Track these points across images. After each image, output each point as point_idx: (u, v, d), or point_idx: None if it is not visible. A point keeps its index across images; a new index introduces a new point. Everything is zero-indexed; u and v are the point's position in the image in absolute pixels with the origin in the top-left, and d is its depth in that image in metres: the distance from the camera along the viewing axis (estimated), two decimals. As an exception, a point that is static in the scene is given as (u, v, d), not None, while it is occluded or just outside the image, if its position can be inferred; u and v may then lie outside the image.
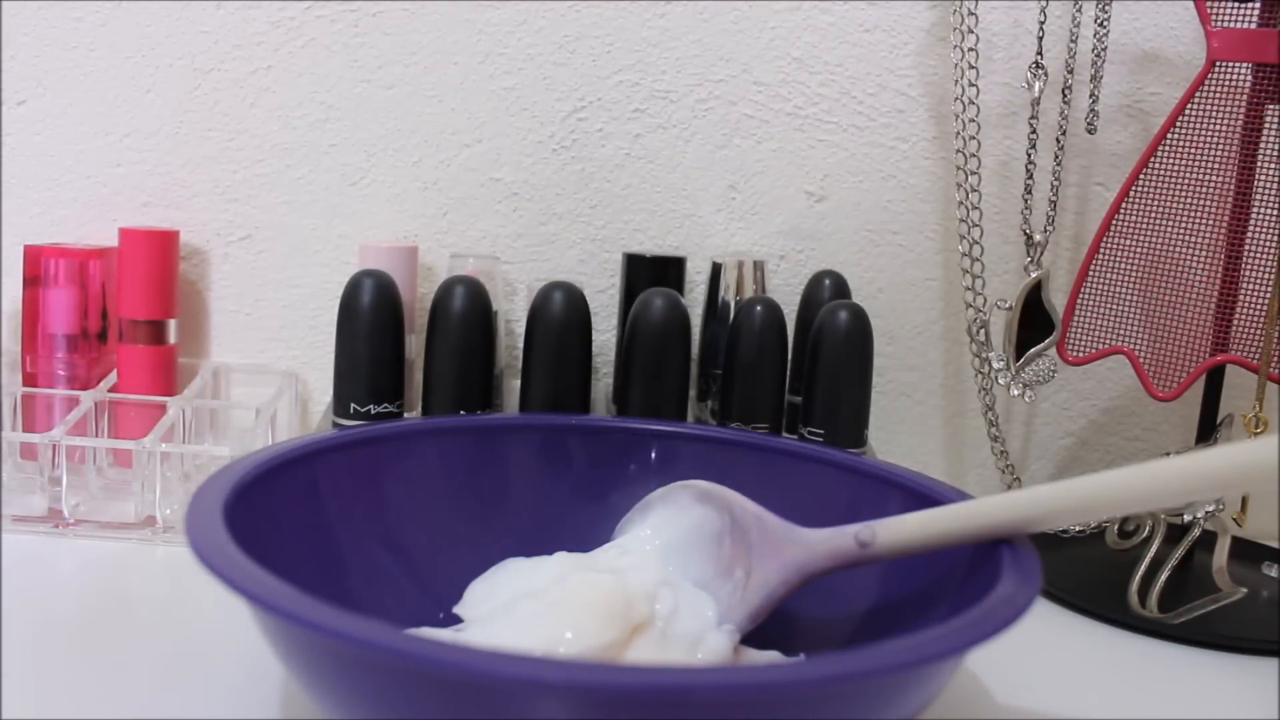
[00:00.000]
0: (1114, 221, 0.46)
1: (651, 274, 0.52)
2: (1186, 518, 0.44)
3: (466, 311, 0.44)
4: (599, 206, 0.56)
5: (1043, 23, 0.47)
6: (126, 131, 0.54)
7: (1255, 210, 0.44)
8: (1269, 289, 0.43)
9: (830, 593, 0.35)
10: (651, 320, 0.44)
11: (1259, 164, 0.44)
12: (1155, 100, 0.55)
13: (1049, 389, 0.57)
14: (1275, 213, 0.43)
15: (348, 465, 0.37)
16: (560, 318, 0.44)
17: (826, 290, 0.51)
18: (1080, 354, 0.47)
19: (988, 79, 0.54)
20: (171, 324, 0.52)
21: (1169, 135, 0.44)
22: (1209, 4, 0.43)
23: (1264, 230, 0.43)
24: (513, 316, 0.56)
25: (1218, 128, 0.44)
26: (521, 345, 0.46)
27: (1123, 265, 0.46)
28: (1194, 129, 0.44)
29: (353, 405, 0.44)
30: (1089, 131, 0.50)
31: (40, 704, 0.31)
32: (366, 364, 0.44)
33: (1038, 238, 0.47)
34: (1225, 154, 0.44)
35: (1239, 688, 0.38)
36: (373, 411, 0.44)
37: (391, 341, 0.44)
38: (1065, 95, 0.49)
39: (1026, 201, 0.48)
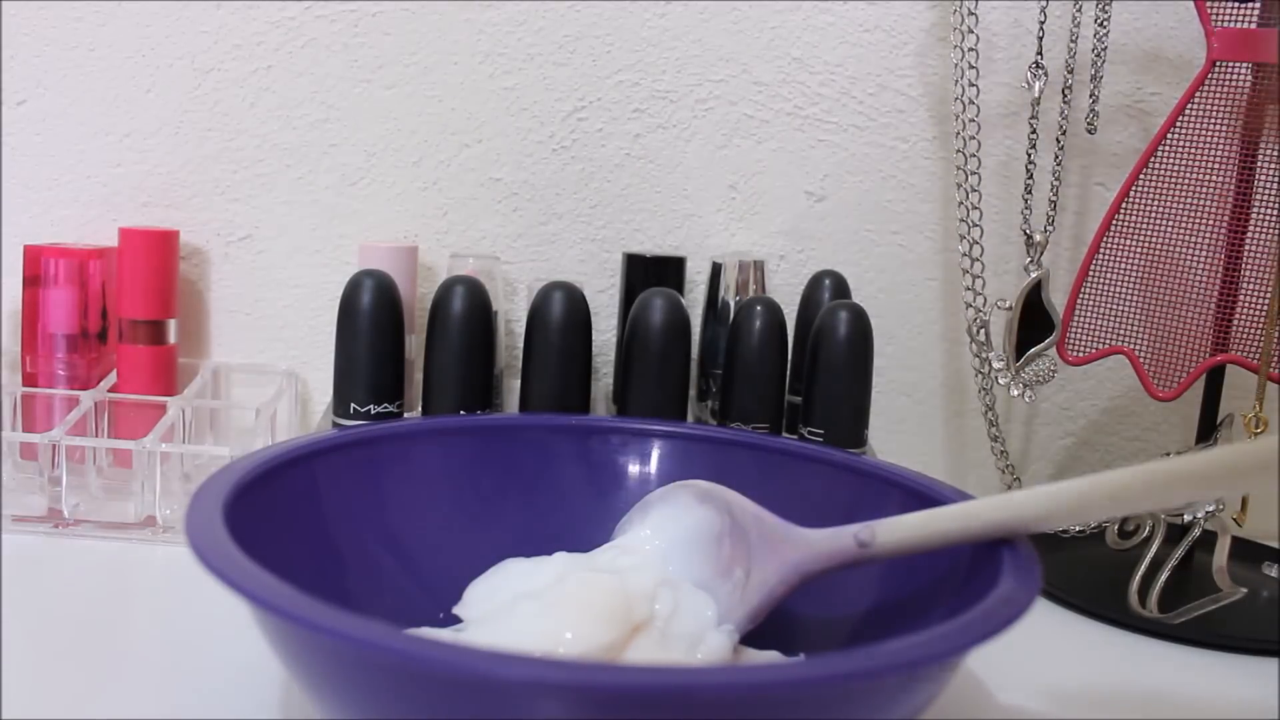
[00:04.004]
0: (1114, 221, 0.46)
1: (651, 274, 0.52)
2: (1186, 518, 0.44)
3: (466, 311, 0.44)
4: (599, 206, 0.56)
5: (1043, 23, 0.47)
6: (126, 131, 0.54)
7: (1255, 210, 0.44)
8: (1269, 289, 0.43)
9: (830, 593, 0.35)
10: (651, 320, 0.44)
11: (1259, 164, 0.44)
12: (1155, 100, 0.55)
13: (1049, 389, 0.57)
14: (1275, 213, 0.43)
15: (348, 465, 0.37)
16: (560, 318, 0.44)
17: (826, 290, 0.51)
18: (1080, 354, 0.47)
19: (988, 79, 0.54)
20: (171, 324, 0.52)
21: (1169, 135, 0.44)
22: (1209, 4, 0.43)
23: (1264, 230, 0.43)
24: (513, 316, 0.56)
25: (1218, 128, 0.44)
26: (521, 345, 0.46)
27: (1123, 265, 0.46)
28: (1194, 129, 0.44)
29: (353, 405, 0.44)
30: (1089, 131, 0.50)
31: (40, 704, 0.31)
32: (366, 364, 0.44)
33: (1038, 238, 0.47)
34: (1225, 154, 0.44)
35: (1239, 688, 0.38)
36: (373, 411, 0.44)
37: (391, 341, 0.44)
38: (1065, 95, 0.48)
39: (1026, 201, 0.48)
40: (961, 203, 0.48)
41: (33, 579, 0.40)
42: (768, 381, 0.45)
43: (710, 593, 0.34)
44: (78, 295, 0.51)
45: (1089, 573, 0.46)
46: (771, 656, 0.34)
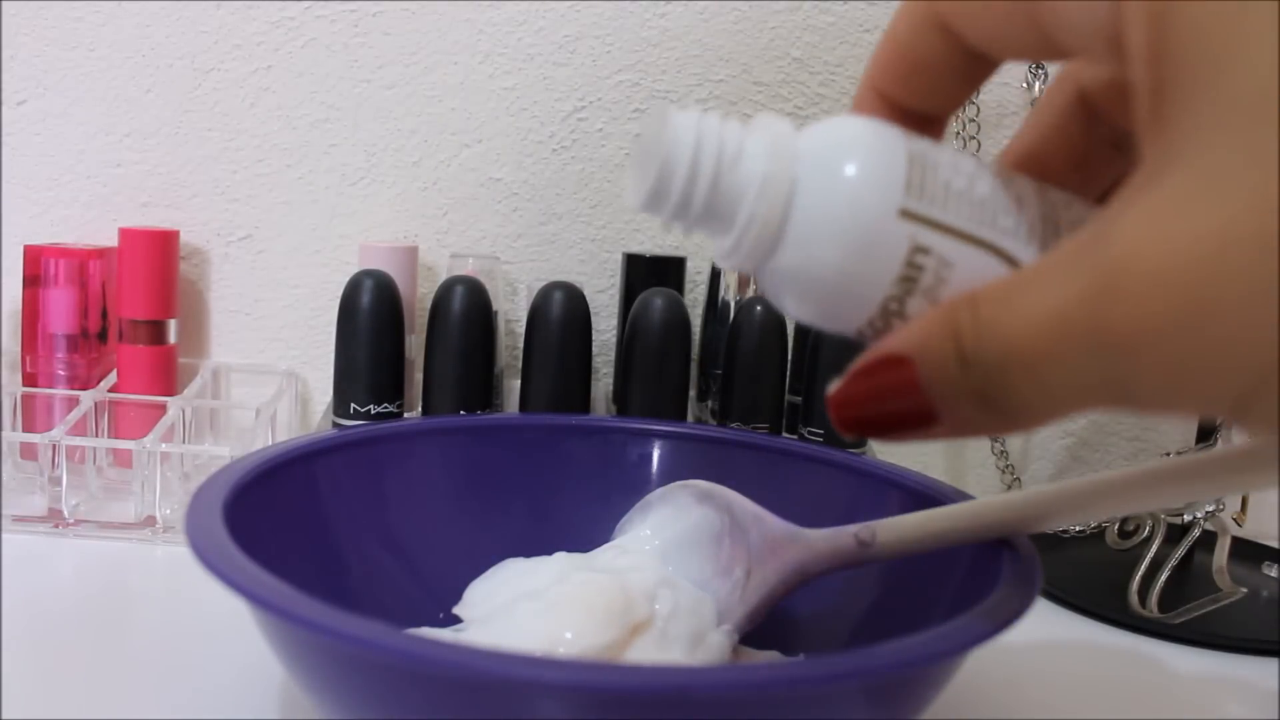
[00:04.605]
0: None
1: (651, 274, 0.52)
2: (1186, 518, 0.44)
3: (466, 311, 0.44)
4: (599, 206, 0.56)
5: (1043, 23, 0.47)
6: (126, 131, 0.54)
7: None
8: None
9: (830, 593, 0.35)
10: (651, 320, 0.44)
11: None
12: (1155, 100, 0.55)
13: (1049, 389, 0.57)
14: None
15: (348, 465, 0.36)
16: (560, 318, 0.44)
17: (826, 290, 0.51)
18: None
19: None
20: (171, 324, 0.52)
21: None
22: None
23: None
24: (513, 316, 0.56)
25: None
26: (521, 345, 0.46)
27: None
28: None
29: (353, 405, 0.44)
30: (1089, 131, 0.50)
31: (40, 704, 0.31)
32: (366, 364, 0.44)
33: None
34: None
35: (1239, 688, 0.38)
36: (373, 411, 0.44)
37: (391, 341, 0.44)
38: (1065, 95, 0.48)
39: (1026, 201, 0.48)
40: (961, 203, 0.48)
41: (33, 579, 0.40)
42: (768, 381, 0.45)
43: (710, 593, 0.34)
44: (78, 295, 0.51)
45: (1089, 573, 0.46)
46: (771, 656, 0.34)
